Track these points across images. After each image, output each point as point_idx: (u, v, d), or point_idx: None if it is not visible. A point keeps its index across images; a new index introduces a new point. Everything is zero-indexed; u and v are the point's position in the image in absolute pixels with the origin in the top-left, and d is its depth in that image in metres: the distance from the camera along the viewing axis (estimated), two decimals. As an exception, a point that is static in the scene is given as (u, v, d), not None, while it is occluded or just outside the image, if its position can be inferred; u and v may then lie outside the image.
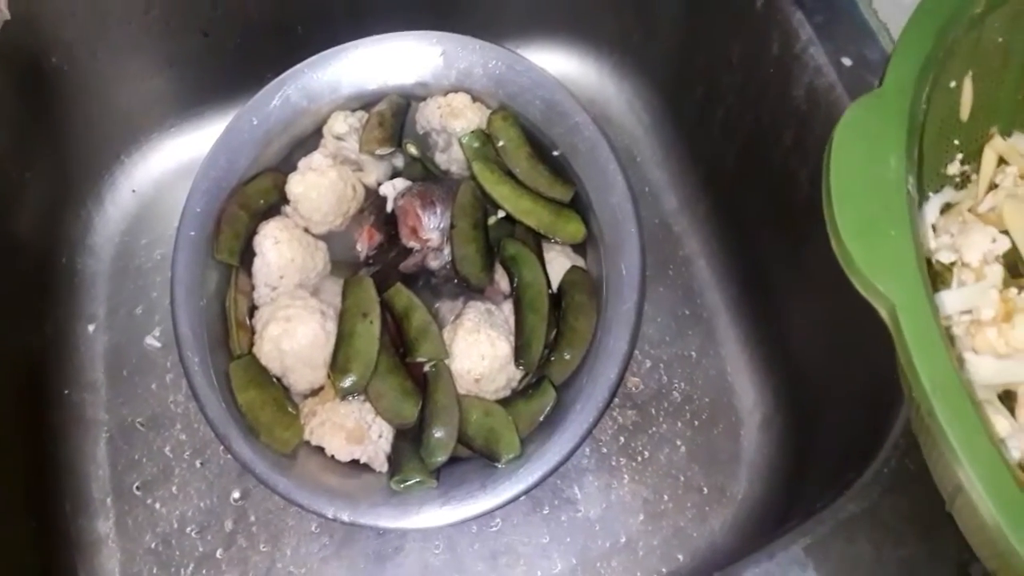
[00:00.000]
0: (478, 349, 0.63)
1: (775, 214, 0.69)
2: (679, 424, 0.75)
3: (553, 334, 0.65)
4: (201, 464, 0.73)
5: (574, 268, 0.68)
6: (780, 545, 0.49)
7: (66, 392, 0.76)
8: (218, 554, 0.70)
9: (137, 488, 0.73)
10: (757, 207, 0.72)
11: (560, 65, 0.85)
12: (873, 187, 0.37)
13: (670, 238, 0.81)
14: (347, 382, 0.63)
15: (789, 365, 0.72)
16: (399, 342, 0.66)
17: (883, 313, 0.37)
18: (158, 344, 0.78)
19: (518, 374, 0.65)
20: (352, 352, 0.64)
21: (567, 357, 0.64)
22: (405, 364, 0.65)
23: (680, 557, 0.70)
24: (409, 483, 0.61)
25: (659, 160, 0.83)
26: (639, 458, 0.73)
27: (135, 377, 0.77)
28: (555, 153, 0.70)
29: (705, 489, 0.72)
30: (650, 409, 0.75)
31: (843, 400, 0.64)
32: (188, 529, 0.71)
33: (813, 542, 0.49)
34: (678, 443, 0.74)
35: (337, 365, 0.64)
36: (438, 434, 0.61)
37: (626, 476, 0.73)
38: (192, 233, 0.67)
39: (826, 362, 0.67)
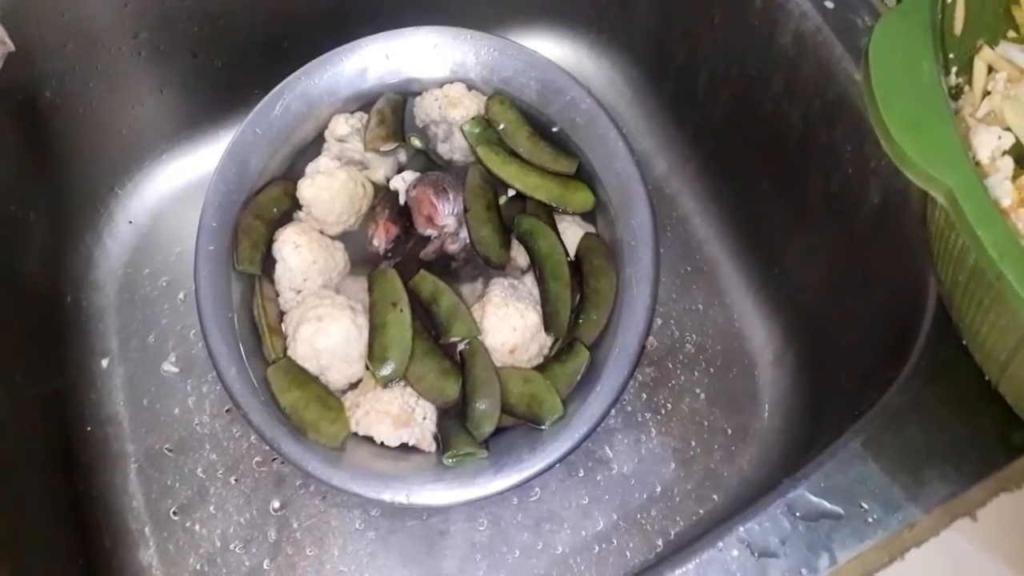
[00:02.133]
0: (509, 322, 0.65)
1: (769, 158, 0.73)
2: (695, 373, 0.78)
3: (577, 299, 0.67)
4: (236, 480, 0.74)
5: (588, 235, 0.70)
6: (840, 445, 0.52)
7: (88, 429, 0.76)
8: (265, 565, 0.71)
9: (174, 513, 0.73)
10: (749, 156, 0.76)
11: (538, 47, 0.87)
12: (912, 89, 0.41)
13: (663, 200, 0.84)
14: (386, 370, 0.64)
15: (795, 301, 0.76)
16: (431, 326, 0.67)
17: (940, 198, 0.40)
18: (175, 369, 0.78)
19: (549, 341, 0.68)
20: (387, 341, 0.65)
21: (594, 317, 0.66)
22: (440, 346, 0.66)
23: (715, 497, 0.73)
24: (460, 456, 0.62)
25: (644, 129, 0.86)
26: (663, 411, 0.76)
27: (156, 405, 0.77)
28: (554, 129, 0.72)
29: (729, 430, 0.76)
30: (667, 364, 0.78)
31: (858, 320, 0.67)
32: (232, 545, 0.71)
33: (868, 437, 0.52)
34: (697, 391, 0.77)
35: (374, 355, 0.65)
36: (482, 406, 0.63)
37: (653, 429, 0.76)
38: (211, 247, 0.67)
39: (833, 290, 0.70)
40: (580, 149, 0.71)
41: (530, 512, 0.72)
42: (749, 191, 0.77)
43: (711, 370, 0.78)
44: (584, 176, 0.72)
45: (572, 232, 0.70)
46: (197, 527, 0.72)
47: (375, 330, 0.66)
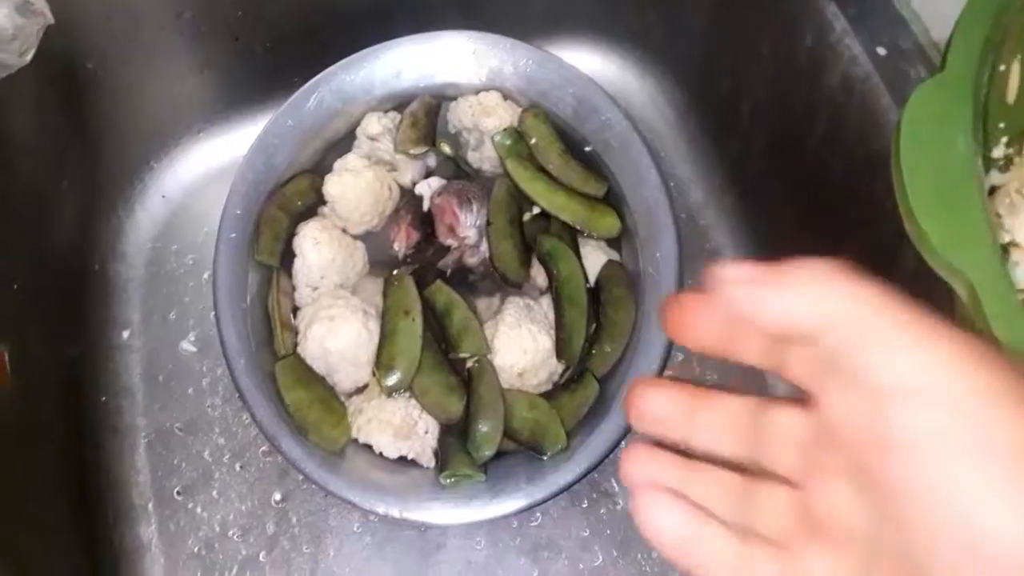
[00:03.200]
0: (520, 344, 0.64)
1: (806, 205, 0.70)
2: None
3: (593, 327, 0.66)
4: (241, 467, 0.74)
5: (611, 262, 0.69)
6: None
7: (103, 399, 0.76)
8: (261, 557, 0.71)
9: (178, 493, 0.73)
10: (787, 198, 0.73)
11: (582, 62, 0.84)
12: (944, 167, 0.38)
13: (696, 231, 0.81)
14: (392, 379, 0.64)
15: None
16: (441, 339, 0.66)
17: (960, 291, 0.37)
18: (193, 349, 0.78)
19: (559, 368, 0.66)
20: (396, 350, 0.64)
21: (608, 350, 0.65)
22: (448, 360, 0.65)
23: (723, 548, 0.71)
24: (457, 477, 0.61)
25: (683, 155, 0.84)
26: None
27: (171, 382, 0.77)
28: (587, 149, 0.70)
29: (745, 478, 0.73)
30: (684, 401, 0.76)
31: None
32: (231, 533, 0.72)
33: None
34: (715, 433, 0.74)
35: (382, 363, 0.64)
36: (484, 428, 0.62)
37: (664, 468, 0.73)
38: (233, 235, 0.67)
39: None
40: (611, 172, 0.69)
41: (529, 537, 0.71)
42: (784, 232, 0.75)
43: None
44: (613, 201, 0.70)
45: (595, 257, 0.69)
46: (199, 510, 0.73)
47: (385, 337, 0.65)
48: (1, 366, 0.63)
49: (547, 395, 0.65)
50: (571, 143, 0.71)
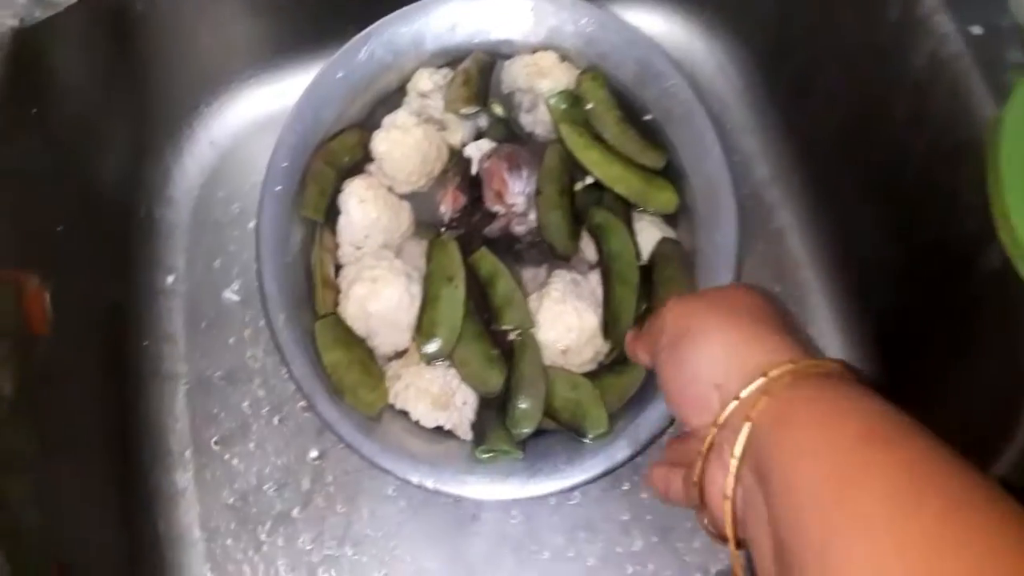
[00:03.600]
0: (564, 320, 0.62)
1: (881, 188, 0.66)
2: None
3: (643, 308, 0.63)
4: (279, 421, 0.73)
5: (665, 239, 0.66)
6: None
7: (145, 343, 0.76)
8: (295, 513, 0.70)
9: (215, 443, 0.73)
10: (859, 182, 0.69)
11: (647, 23, 0.81)
12: None
13: (761, 209, 0.78)
14: (432, 347, 0.62)
15: (887, 350, 0.70)
16: (484, 309, 0.65)
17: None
18: (236, 298, 0.77)
19: (606, 348, 0.64)
20: (437, 316, 0.63)
21: None
22: (490, 332, 0.64)
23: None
24: (495, 453, 0.60)
25: (751, 127, 0.80)
26: (724, 438, 0.72)
27: (213, 330, 0.77)
28: (647, 118, 0.67)
29: (795, 473, 0.71)
30: (735, 388, 0.73)
31: (959, 384, 0.60)
32: (266, 487, 0.71)
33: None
34: (765, 423, 0.72)
35: (422, 329, 0.63)
36: (524, 405, 0.60)
37: (709, 455, 0.71)
38: (278, 188, 0.66)
39: (932, 348, 0.64)
40: (671, 143, 0.66)
41: (567, 516, 0.69)
42: (854, 218, 0.71)
43: None
44: (671, 174, 0.67)
45: (649, 234, 0.66)
46: (235, 461, 0.72)
47: (426, 303, 0.63)
48: (41, 309, 0.62)
49: (591, 375, 0.63)
50: (630, 110, 0.68)
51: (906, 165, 0.60)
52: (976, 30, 0.54)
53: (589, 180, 0.68)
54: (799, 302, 0.75)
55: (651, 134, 0.67)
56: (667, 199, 0.66)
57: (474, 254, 0.65)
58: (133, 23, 0.72)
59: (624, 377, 0.62)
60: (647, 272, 0.64)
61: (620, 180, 0.66)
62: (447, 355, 0.62)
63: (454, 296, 0.63)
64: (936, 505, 0.32)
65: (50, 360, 0.62)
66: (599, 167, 0.66)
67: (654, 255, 0.65)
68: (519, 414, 0.60)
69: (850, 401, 0.38)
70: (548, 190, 0.66)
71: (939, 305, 0.61)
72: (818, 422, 0.37)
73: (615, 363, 0.63)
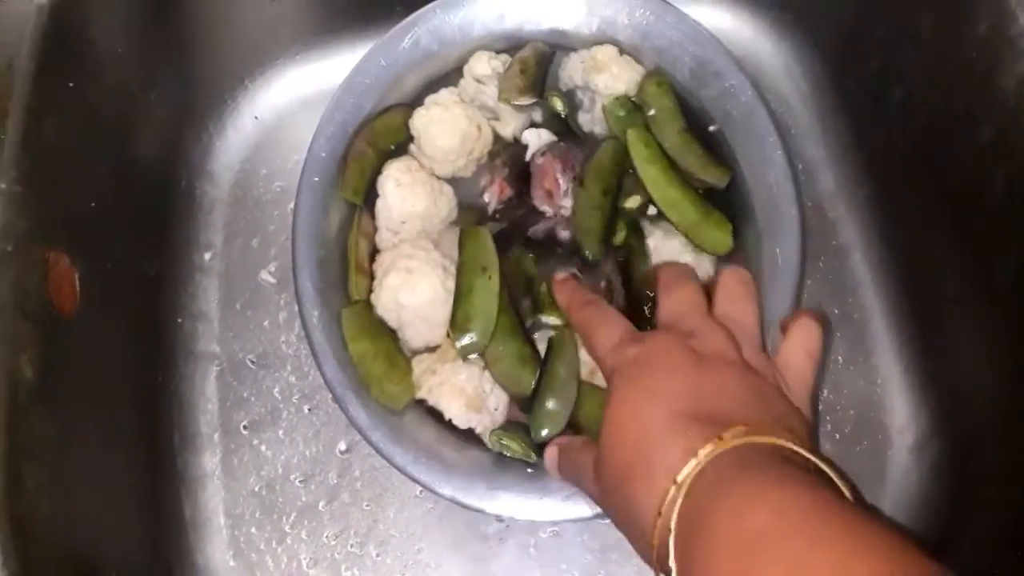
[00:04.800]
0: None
1: (955, 216, 0.62)
2: (817, 433, 0.69)
3: None
4: (309, 410, 0.72)
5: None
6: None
7: (179, 321, 0.75)
8: (320, 506, 0.69)
9: (244, 427, 0.72)
10: (932, 204, 0.65)
11: (709, 18, 0.76)
12: None
13: (824, 224, 0.74)
14: (466, 340, 0.60)
15: (955, 386, 0.66)
16: (521, 299, 0.62)
17: None
18: (273, 280, 0.76)
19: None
20: (471, 309, 0.60)
21: None
22: (524, 330, 0.61)
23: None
24: (508, 442, 0.59)
25: (816, 135, 0.76)
26: (769, 466, 0.69)
27: (248, 312, 0.75)
28: (711, 128, 0.64)
29: (842, 511, 0.68)
30: (785, 415, 0.70)
31: None
32: (292, 476, 0.70)
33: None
34: (814, 456, 0.69)
35: (456, 323, 0.60)
36: (551, 405, 0.58)
37: (754, 485, 0.69)
38: (316, 179, 0.64)
39: (1008, 392, 0.60)
40: (730, 148, 0.63)
41: (598, 535, 0.67)
42: (925, 243, 0.67)
43: (837, 436, 0.70)
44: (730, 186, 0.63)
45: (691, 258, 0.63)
46: (263, 448, 0.71)
47: (460, 296, 0.61)
48: (71, 287, 0.61)
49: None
50: (694, 119, 0.65)
51: (985, 193, 0.56)
52: (1074, 55, 0.50)
53: (633, 201, 0.65)
54: (859, 326, 0.72)
55: (714, 147, 0.64)
56: (720, 240, 0.62)
57: (515, 249, 0.63)
58: (178, -5, 0.70)
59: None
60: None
61: (674, 206, 0.62)
62: (482, 349, 0.60)
63: (488, 287, 0.60)
64: None
65: (82, 333, 0.60)
66: (656, 186, 0.62)
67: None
68: (544, 414, 0.58)
69: (750, 498, 0.39)
70: (592, 188, 0.63)
71: (1016, 342, 0.57)
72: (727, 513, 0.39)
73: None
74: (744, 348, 0.51)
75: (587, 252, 0.63)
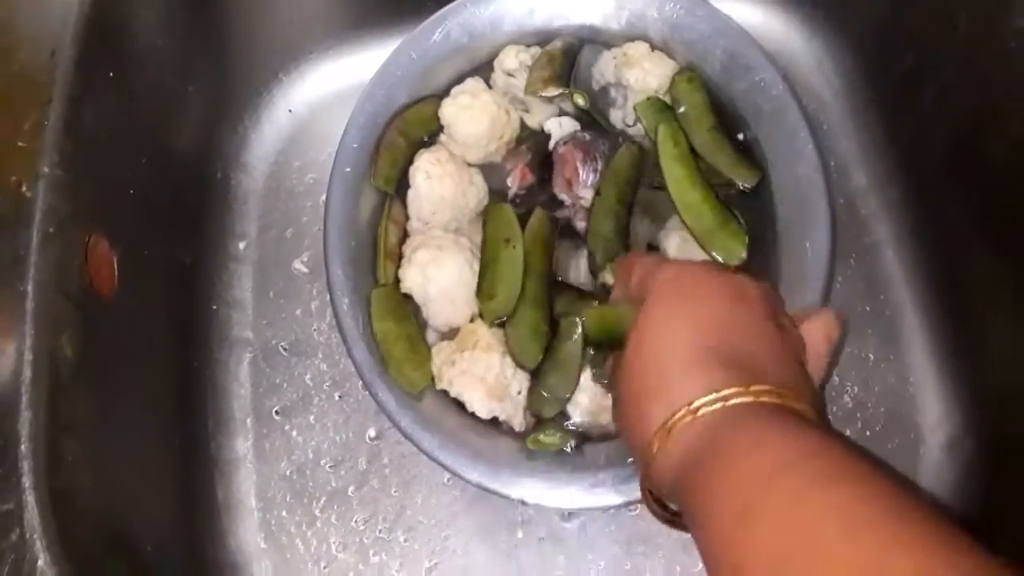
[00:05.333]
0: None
1: (991, 210, 0.61)
2: (848, 431, 0.69)
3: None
4: (340, 397, 0.73)
5: None
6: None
7: (214, 307, 0.76)
8: (350, 491, 0.70)
9: (276, 413, 0.73)
10: (966, 201, 0.65)
11: (740, 12, 0.76)
12: None
13: (855, 221, 0.74)
14: (493, 305, 0.61)
15: (988, 384, 0.65)
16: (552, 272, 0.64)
17: None
18: (305, 270, 0.77)
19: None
20: (496, 277, 0.62)
21: None
22: (550, 304, 0.62)
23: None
24: (546, 440, 0.60)
25: (848, 130, 0.76)
26: (802, 463, 0.69)
27: (281, 300, 0.76)
28: (740, 136, 0.64)
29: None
30: (817, 411, 0.70)
31: None
32: (323, 461, 0.71)
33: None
34: (847, 452, 0.69)
35: (483, 290, 0.62)
36: (546, 392, 0.60)
37: (785, 482, 0.69)
38: (347, 170, 0.65)
39: None
40: (760, 143, 0.63)
41: (624, 526, 0.68)
42: (959, 240, 0.67)
43: (868, 433, 0.69)
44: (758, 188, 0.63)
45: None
46: (294, 433, 0.72)
47: (485, 266, 0.63)
48: (110, 270, 0.62)
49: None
50: (719, 109, 0.65)
51: (1021, 191, 0.56)
52: (1114, 49, 0.49)
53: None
54: (891, 324, 0.71)
55: (745, 146, 0.64)
56: (734, 250, 0.61)
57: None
58: (216, -11, 0.71)
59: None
60: None
61: (693, 209, 0.61)
62: (508, 313, 0.61)
63: (513, 256, 0.62)
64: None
65: (120, 318, 0.62)
66: (679, 186, 0.62)
67: None
68: (539, 398, 0.60)
69: (769, 434, 0.39)
70: (608, 193, 0.63)
71: None
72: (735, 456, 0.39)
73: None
74: (778, 309, 0.50)
75: (598, 261, 0.63)
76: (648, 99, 0.64)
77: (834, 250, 0.59)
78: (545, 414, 0.60)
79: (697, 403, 0.42)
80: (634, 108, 0.65)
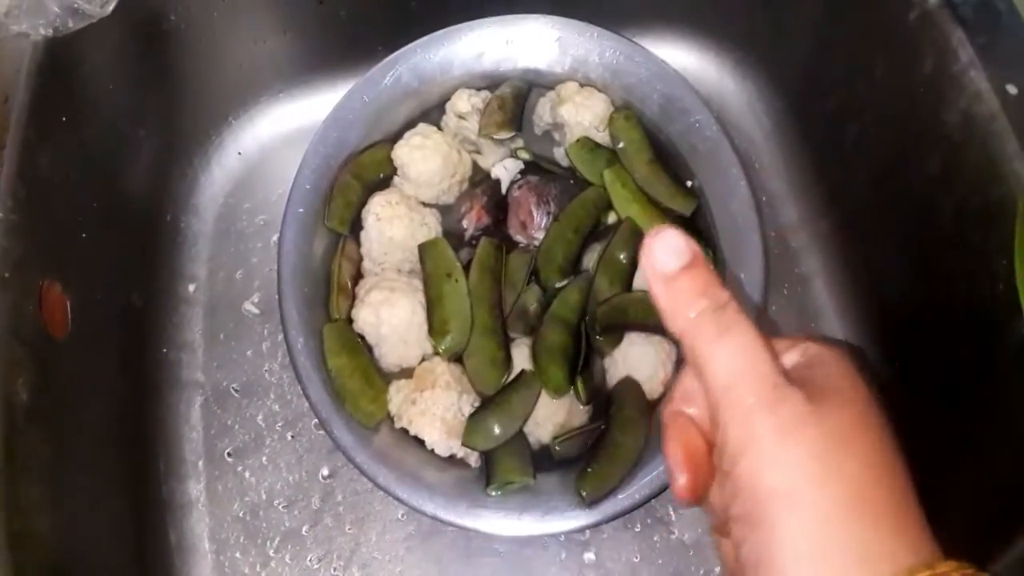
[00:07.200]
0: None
1: (910, 243, 0.65)
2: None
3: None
4: (292, 437, 0.73)
5: (629, 379, 0.64)
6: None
7: (164, 351, 0.76)
8: (304, 531, 0.71)
9: (228, 454, 0.73)
10: (888, 234, 0.68)
11: (677, 58, 0.81)
12: None
13: (787, 253, 0.77)
14: (448, 341, 0.63)
15: (913, 409, 0.68)
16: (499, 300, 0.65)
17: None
18: (256, 311, 0.78)
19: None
20: (445, 313, 0.63)
21: (602, 472, 0.60)
22: (501, 331, 0.64)
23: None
24: (505, 488, 0.60)
25: (779, 169, 0.79)
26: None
27: (232, 342, 0.77)
28: (689, 184, 0.67)
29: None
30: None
31: (984, 453, 0.58)
32: (276, 502, 0.72)
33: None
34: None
35: (435, 329, 0.63)
36: (495, 428, 0.61)
37: (726, 503, 0.71)
38: (301, 210, 0.66)
39: (960, 416, 0.62)
40: (697, 180, 0.66)
41: (575, 553, 0.69)
42: (883, 270, 0.70)
43: None
44: (695, 215, 0.66)
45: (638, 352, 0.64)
46: (247, 474, 0.73)
47: (432, 304, 0.64)
48: (62, 313, 0.62)
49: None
50: (661, 151, 0.68)
51: (936, 221, 0.60)
52: (1012, 89, 0.53)
53: (612, 219, 0.68)
54: (821, 352, 0.74)
55: (679, 174, 0.67)
56: None
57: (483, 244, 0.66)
58: (166, 35, 0.73)
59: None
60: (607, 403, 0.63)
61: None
62: (464, 345, 0.63)
63: (457, 290, 0.63)
64: None
65: (70, 362, 0.62)
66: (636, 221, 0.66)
67: (616, 391, 0.63)
68: (481, 429, 0.61)
69: None
70: (565, 223, 0.66)
71: (970, 373, 0.59)
72: None
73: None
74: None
75: (544, 277, 0.65)
76: (578, 141, 0.67)
77: (767, 281, 0.62)
78: (478, 447, 0.61)
79: None
80: (566, 152, 0.67)
